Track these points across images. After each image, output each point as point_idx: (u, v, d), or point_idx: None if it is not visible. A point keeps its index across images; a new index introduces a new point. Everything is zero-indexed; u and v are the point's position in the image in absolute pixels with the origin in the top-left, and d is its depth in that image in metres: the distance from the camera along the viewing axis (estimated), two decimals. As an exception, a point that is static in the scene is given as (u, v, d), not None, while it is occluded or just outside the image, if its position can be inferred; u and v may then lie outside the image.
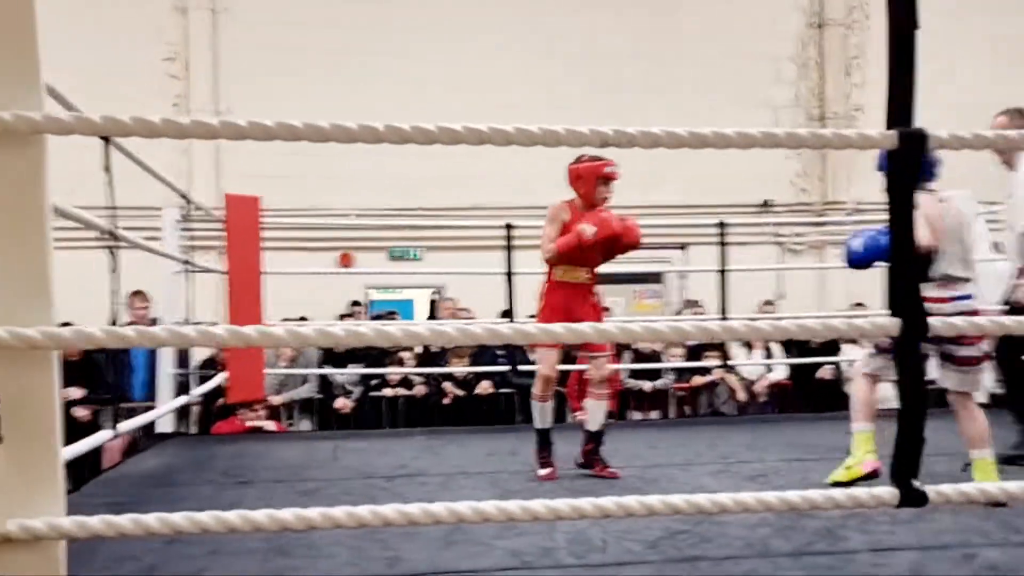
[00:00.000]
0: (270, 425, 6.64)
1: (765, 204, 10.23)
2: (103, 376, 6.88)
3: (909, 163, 1.53)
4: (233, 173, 9.48)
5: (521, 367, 6.73)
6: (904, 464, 1.55)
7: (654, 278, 10.25)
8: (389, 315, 9.08)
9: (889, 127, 1.56)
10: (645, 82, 9.77)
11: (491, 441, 5.38)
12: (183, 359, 6.30)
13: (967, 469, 3.55)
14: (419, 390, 7.66)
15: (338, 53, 9.69)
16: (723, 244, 6.61)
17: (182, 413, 6.95)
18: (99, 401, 6.58)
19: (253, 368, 5.63)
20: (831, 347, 8.14)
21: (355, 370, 7.60)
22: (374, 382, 7.66)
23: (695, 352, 8.18)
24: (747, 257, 9.74)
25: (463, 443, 5.42)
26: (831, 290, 10.23)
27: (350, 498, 3.76)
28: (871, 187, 10.17)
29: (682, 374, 8.21)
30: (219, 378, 5.94)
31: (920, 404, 1.54)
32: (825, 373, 8.17)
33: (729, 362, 8.02)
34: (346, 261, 9.76)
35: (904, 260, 1.54)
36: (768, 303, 9.40)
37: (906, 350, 1.53)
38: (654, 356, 8.02)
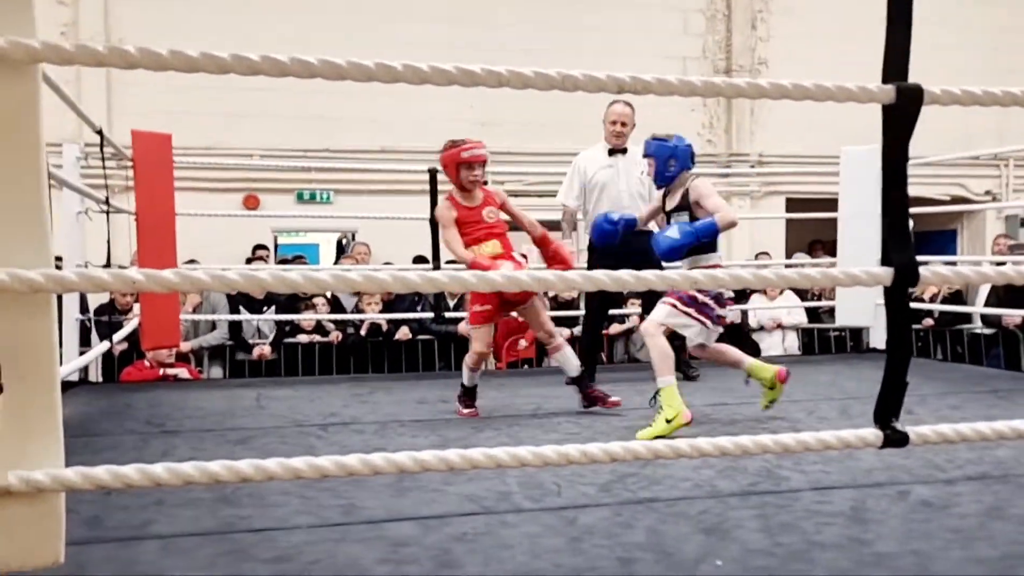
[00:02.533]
0: (184, 373, 6.45)
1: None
2: None
3: (906, 117, 1.57)
4: (126, 109, 9.04)
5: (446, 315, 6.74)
6: (887, 407, 1.61)
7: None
8: (296, 259, 8.89)
9: (885, 81, 1.59)
10: (551, 33, 9.71)
11: (418, 389, 5.35)
12: (83, 305, 6.03)
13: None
14: (335, 336, 7.55)
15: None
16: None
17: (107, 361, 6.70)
18: None
19: (168, 314, 5.43)
20: (738, 294, 8.38)
21: (268, 316, 7.44)
22: (287, 328, 7.51)
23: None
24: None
25: (390, 391, 5.38)
26: (737, 240, 10.49)
27: (286, 447, 3.70)
28: (773, 139, 10.48)
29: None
30: (132, 324, 5.70)
31: (906, 350, 1.60)
32: (732, 318, 8.41)
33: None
34: (251, 203, 9.47)
35: (896, 213, 1.58)
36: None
37: (896, 299, 1.58)
38: (572, 304, 8.11)
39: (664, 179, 4.14)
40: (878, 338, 6.93)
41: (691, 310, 4.00)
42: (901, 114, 1.57)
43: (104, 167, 4.23)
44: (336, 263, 9.55)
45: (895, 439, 1.60)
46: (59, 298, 5.45)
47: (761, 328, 8.43)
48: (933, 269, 1.61)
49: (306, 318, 7.50)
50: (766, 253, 9.60)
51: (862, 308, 6.43)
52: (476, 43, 9.29)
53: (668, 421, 3.84)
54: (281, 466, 1.74)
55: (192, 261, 8.11)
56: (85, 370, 6.63)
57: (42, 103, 1.28)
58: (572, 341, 5.70)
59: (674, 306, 4.01)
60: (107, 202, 4.24)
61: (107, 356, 6.78)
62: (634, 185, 5.45)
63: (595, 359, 5.60)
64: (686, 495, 2.83)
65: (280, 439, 3.88)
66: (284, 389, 5.50)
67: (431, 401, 4.90)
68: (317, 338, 7.53)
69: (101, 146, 4.20)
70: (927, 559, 2.18)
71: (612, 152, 5.50)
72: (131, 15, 9.23)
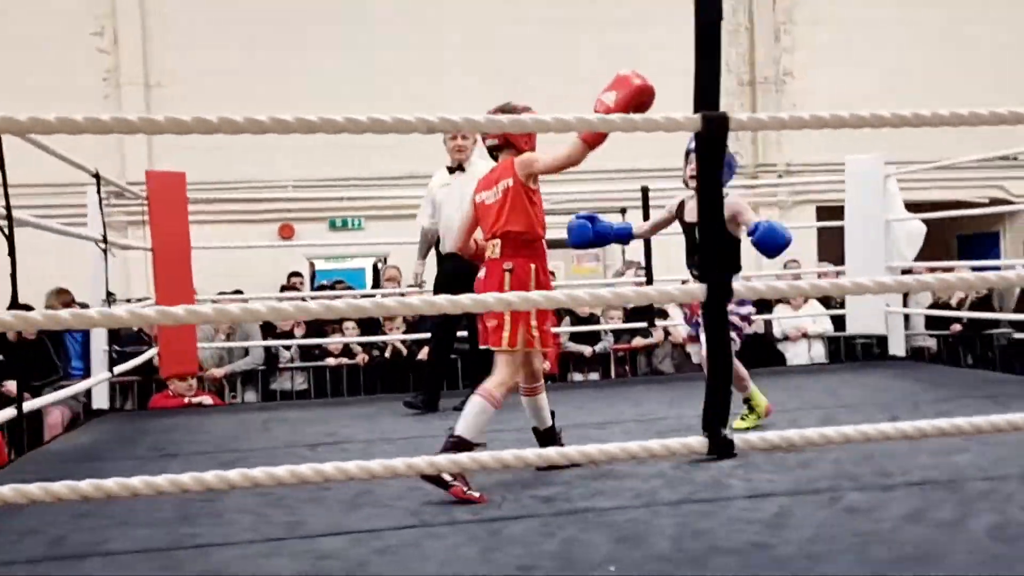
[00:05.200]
0: (207, 400, 6.72)
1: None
2: (47, 357, 6.98)
3: (714, 144, 1.67)
4: (168, 145, 9.45)
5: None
6: (713, 415, 1.70)
7: (593, 242, 10.41)
8: (336, 284, 9.19)
9: (696, 111, 1.70)
10: (570, 50, 9.85)
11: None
12: (114, 334, 6.34)
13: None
14: (361, 358, 7.76)
15: (269, 22, 9.64)
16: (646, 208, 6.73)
17: (123, 389, 7.03)
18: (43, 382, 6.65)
19: (185, 342, 5.70)
20: (763, 304, 8.37)
21: (296, 340, 7.69)
22: (316, 352, 7.75)
23: (634, 313, 8.36)
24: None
25: (398, 409, 5.52)
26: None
27: (267, 466, 3.87)
28: (802, 148, 10.42)
29: (620, 335, 8.41)
30: (150, 352, 5.98)
31: (726, 360, 1.69)
32: (758, 328, 8.38)
33: (662, 322, 8.24)
34: (287, 232, 9.80)
35: (712, 232, 1.68)
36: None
37: (713, 313, 1.68)
38: (593, 319, 8.20)
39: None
40: (897, 345, 6.86)
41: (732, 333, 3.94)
42: (710, 141, 1.67)
43: (101, 208, 4.50)
44: (375, 286, 9.81)
45: (721, 447, 1.69)
46: (86, 332, 5.76)
47: (786, 338, 8.39)
48: (747, 284, 1.70)
49: (333, 341, 7.73)
50: (795, 261, 9.53)
51: (873, 316, 6.39)
52: (481, 67, 9.47)
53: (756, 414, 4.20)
54: (194, 480, 1.98)
55: (238, 291, 8.46)
56: (128, 398, 7.00)
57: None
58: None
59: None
60: (104, 240, 4.50)
61: (145, 384, 7.12)
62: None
63: (438, 385, 5.48)
64: (622, 505, 2.91)
65: (268, 459, 4.05)
66: (296, 412, 5.70)
67: (429, 418, 5.04)
68: (345, 361, 7.75)
69: (98, 188, 4.46)
70: (817, 561, 2.24)
71: (452, 170, 5.30)
72: (168, 60, 9.66)
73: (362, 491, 3.20)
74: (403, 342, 7.66)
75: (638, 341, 8.23)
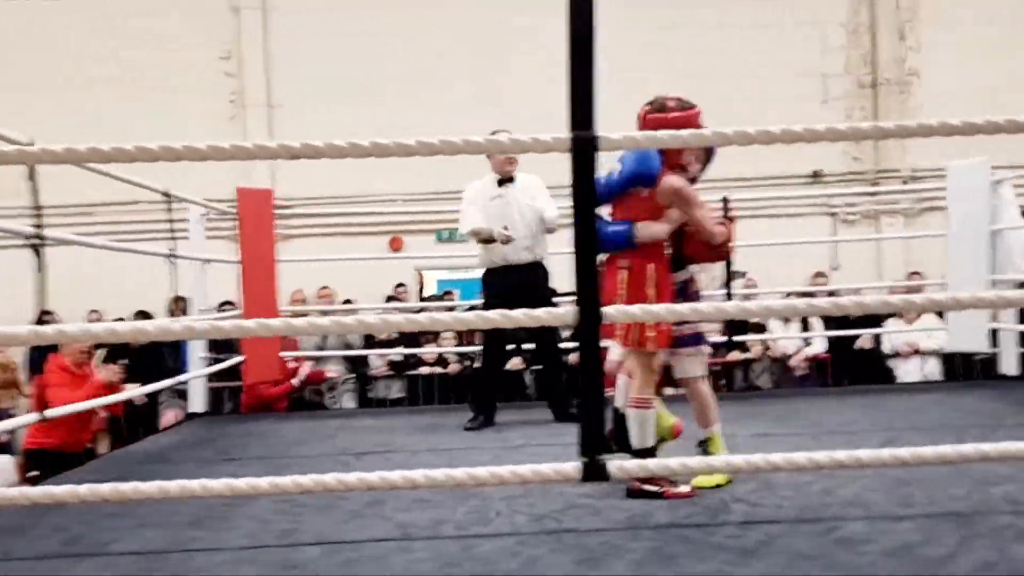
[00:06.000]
0: (304, 369, 6.98)
1: (815, 175, 10.02)
2: (163, 363, 7.48)
3: (584, 164, 1.64)
4: (289, 162, 9.90)
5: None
6: (588, 440, 1.67)
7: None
8: (445, 295, 9.43)
9: (572, 131, 1.68)
10: (686, 54, 9.70)
11: (499, 416, 5.48)
12: (212, 343, 6.71)
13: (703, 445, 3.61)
14: (453, 368, 7.91)
15: (385, 42, 9.96)
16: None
17: (233, 393, 7.45)
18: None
19: (269, 350, 5.97)
20: (870, 318, 7.97)
21: (392, 351, 7.92)
22: (411, 361, 7.95)
23: (733, 326, 8.13)
24: (798, 229, 9.64)
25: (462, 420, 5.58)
26: (888, 259, 9.97)
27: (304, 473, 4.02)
28: (925, 154, 9.86)
29: (718, 349, 8.20)
30: (236, 359, 6.28)
31: (597, 386, 1.66)
32: (865, 343, 8.00)
33: (764, 336, 8.00)
34: (397, 244, 10.09)
35: (586, 254, 1.65)
36: (820, 275, 9.24)
37: (584, 339, 1.65)
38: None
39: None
40: (1009, 363, 6.39)
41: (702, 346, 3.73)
42: (580, 161, 1.65)
43: (171, 224, 4.79)
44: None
45: (594, 472, 1.65)
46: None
47: (896, 354, 7.95)
48: (620, 308, 1.66)
49: (428, 351, 7.91)
50: (917, 273, 9.03)
51: (975, 333, 5.98)
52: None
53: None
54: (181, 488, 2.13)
55: (348, 301, 8.81)
56: (219, 402, 7.41)
57: None
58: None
59: (700, 352, 3.63)
60: (172, 253, 4.79)
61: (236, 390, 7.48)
62: (527, 213, 5.26)
63: (492, 400, 5.41)
64: (609, 527, 2.87)
65: (313, 466, 4.21)
66: (369, 420, 5.87)
67: (485, 433, 5.09)
68: (438, 370, 7.91)
69: (168, 206, 4.76)
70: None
71: (501, 182, 5.32)
72: (288, 81, 10.13)
73: (374, 501, 3.28)
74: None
75: (734, 355, 8.01)
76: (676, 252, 3.47)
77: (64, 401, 4.63)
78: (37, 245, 3.16)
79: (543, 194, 5.34)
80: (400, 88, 9.81)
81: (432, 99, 9.75)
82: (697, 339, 3.58)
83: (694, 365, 3.57)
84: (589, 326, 1.64)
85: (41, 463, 5.39)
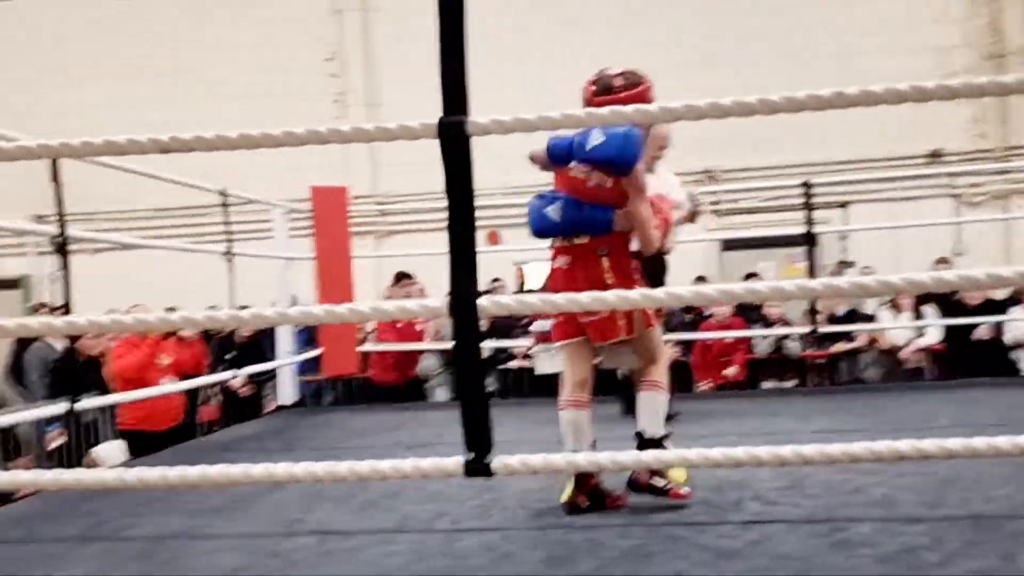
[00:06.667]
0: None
1: (935, 154, 9.42)
2: (265, 356, 7.78)
3: (455, 151, 1.58)
4: (390, 161, 10.12)
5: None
6: (471, 436, 1.61)
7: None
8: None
9: (445, 115, 1.62)
10: (798, 25, 9.30)
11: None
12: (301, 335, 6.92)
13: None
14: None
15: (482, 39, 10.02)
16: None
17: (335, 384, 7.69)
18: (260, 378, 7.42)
19: (346, 344, 6.10)
20: (990, 306, 7.44)
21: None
22: (502, 355, 7.96)
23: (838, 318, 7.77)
24: (917, 212, 9.10)
25: (535, 411, 5.46)
26: (1019, 244, 9.28)
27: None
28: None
29: (822, 341, 7.83)
30: (315, 352, 6.43)
31: (475, 380, 1.59)
32: (983, 333, 7.45)
33: (870, 326, 7.59)
34: (493, 239, 10.12)
35: (460, 245, 1.59)
36: (942, 260, 8.68)
37: (459, 331, 1.59)
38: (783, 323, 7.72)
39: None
40: None
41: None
42: (451, 148, 1.59)
43: (227, 223, 4.94)
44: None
45: (478, 468, 1.60)
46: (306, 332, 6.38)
47: (1020, 345, 7.37)
48: (493, 299, 1.59)
49: (519, 344, 7.89)
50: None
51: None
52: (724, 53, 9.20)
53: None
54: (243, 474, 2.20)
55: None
56: (318, 394, 7.64)
57: None
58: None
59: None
60: (229, 252, 4.95)
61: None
62: None
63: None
64: (604, 524, 2.78)
65: (357, 458, 4.27)
66: (435, 413, 5.90)
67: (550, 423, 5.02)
68: (527, 364, 7.88)
69: (224, 204, 4.92)
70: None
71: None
72: (389, 81, 10.33)
73: (391, 492, 3.30)
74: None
75: (838, 346, 7.62)
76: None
77: (125, 365, 4.94)
78: (62, 248, 3.32)
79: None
80: (492, 80, 9.83)
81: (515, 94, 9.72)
82: None
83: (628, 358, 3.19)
84: (464, 318, 1.58)
85: (134, 444, 5.76)
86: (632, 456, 1.95)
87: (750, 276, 8.70)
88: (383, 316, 1.80)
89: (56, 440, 6.72)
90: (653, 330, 3.07)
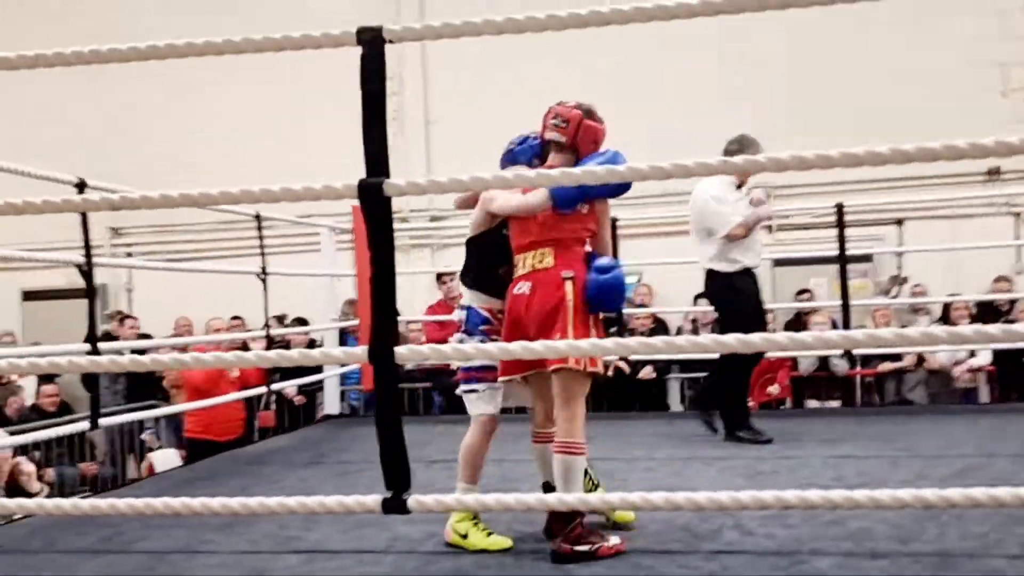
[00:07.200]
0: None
1: (992, 172, 9.19)
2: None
3: (376, 212, 1.72)
4: (445, 174, 10.30)
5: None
6: (390, 474, 1.74)
7: (862, 257, 9.60)
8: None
9: (368, 176, 1.76)
10: (856, 44, 9.18)
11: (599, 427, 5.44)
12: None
13: None
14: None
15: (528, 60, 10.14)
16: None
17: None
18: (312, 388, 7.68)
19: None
20: (1045, 327, 7.24)
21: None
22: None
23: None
24: (974, 229, 8.88)
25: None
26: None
27: (369, 482, 4.26)
28: None
29: (869, 360, 7.74)
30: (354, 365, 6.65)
31: (392, 422, 1.72)
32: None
33: (916, 348, 7.45)
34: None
35: (380, 299, 1.73)
36: (1002, 279, 8.48)
37: (378, 376, 1.72)
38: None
39: None
40: None
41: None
42: (370, 206, 1.72)
43: (261, 239, 5.16)
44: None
45: (395, 506, 1.72)
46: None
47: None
48: (411, 348, 1.72)
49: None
50: None
51: None
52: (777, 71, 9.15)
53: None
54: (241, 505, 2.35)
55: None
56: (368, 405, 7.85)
57: None
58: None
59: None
60: (264, 271, 5.17)
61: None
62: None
63: (742, 406, 5.11)
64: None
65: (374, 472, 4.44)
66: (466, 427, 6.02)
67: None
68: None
69: (258, 224, 5.16)
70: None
71: (738, 186, 5.20)
72: (443, 99, 10.56)
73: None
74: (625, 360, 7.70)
75: (885, 366, 7.50)
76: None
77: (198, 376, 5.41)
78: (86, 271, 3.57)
79: None
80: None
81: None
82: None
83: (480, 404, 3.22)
84: (382, 364, 1.71)
85: (197, 452, 6.09)
86: (544, 499, 2.00)
87: (802, 292, 8.63)
88: (265, 362, 1.94)
89: (153, 443, 7.13)
90: (586, 377, 2.82)
